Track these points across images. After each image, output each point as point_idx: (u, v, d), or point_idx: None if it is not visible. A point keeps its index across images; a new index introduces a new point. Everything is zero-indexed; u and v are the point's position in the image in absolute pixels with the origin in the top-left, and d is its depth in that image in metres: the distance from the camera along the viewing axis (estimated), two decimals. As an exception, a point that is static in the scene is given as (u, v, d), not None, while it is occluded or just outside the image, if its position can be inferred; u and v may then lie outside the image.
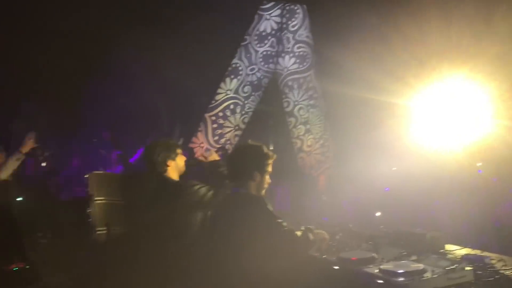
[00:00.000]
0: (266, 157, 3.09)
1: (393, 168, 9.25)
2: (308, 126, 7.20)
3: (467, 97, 6.34)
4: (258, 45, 6.90)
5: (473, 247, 3.38)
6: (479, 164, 10.68)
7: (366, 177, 7.54)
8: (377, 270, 2.79)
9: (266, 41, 6.91)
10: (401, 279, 2.60)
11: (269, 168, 3.11)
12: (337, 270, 3.06)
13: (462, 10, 6.99)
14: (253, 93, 7.01)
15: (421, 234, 3.34)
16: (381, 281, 2.68)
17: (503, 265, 2.85)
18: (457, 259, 2.96)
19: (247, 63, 6.89)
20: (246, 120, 7.08)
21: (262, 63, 6.95)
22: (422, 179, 8.29)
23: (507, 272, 2.72)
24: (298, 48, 6.99)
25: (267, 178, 3.11)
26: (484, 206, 6.71)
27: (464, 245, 3.39)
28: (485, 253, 3.12)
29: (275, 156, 3.16)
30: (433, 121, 6.58)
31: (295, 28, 6.94)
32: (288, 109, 7.17)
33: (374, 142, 7.39)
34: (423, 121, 6.62)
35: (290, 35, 6.96)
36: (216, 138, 6.86)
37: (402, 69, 6.74)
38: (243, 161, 3.08)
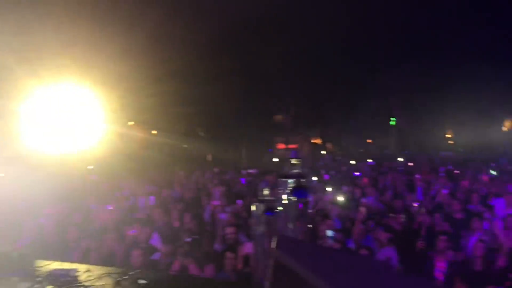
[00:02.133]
0: None
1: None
2: None
3: (80, 104, 6.47)
4: None
5: (67, 259, 3.37)
6: (90, 167, 11.15)
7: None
8: None
9: None
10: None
11: None
12: None
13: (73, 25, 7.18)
14: None
15: (6, 253, 3.07)
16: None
17: (88, 276, 2.93)
18: (43, 276, 2.86)
19: None
20: None
21: None
22: (33, 186, 7.91)
23: (89, 282, 2.81)
24: None
25: None
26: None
27: (55, 258, 3.33)
28: (75, 265, 3.15)
29: None
30: (46, 126, 6.38)
31: None
32: None
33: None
34: (36, 127, 6.32)
35: None
36: None
37: (10, 73, 6.31)
38: None
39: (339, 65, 22.52)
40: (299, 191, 1.90)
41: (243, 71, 23.44)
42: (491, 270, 4.57)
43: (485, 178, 10.42)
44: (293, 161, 1.93)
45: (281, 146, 26.58)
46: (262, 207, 2.40)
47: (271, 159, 21.21)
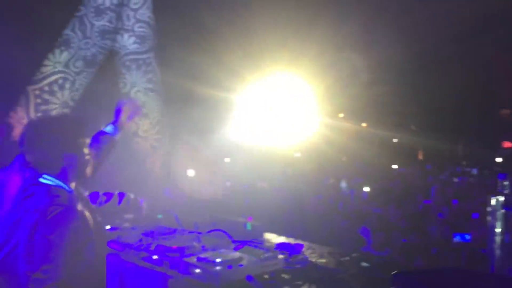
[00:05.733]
0: (82, 130, 2.31)
1: (226, 160, 9.55)
2: (144, 110, 6.93)
3: (293, 94, 6.83)
4: (95, 18, 6.38)
5: (288, 236, 3.61)
6: (297, 154, 11.70)
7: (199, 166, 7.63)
8: (196, 259, 2.77)
9: (104, 15, 6.42)
10: (218, 268, 2.62)
11: (86, 142, 2.33)
12: (156, 259, 2.96)
13: (288, 15, 7.59)
14: (85, 69, 6.46)
15: (242, 223, 3.44)
16: (198, 271, 2.66)
17: (311, 253, 3.09)
18: (272, 247, 3.11)
19: (80, 36, 6.32)
20: (76, 97, 6.51)
21: (98, 38, 6.45)
22: (250, 169, 8.76)
23: (314, 259, 2.96)
24: (139, 27, 6.66)
25: (88, 152, 2.30)
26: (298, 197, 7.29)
27: (280, 233, 3.60)
28: (299, 241, 3.35)
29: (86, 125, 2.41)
30: (263, 114, 6.92)
31: (137, 6, 6.60)
32: (124, 90, 6.80)
33: (209, 133, 7.49)
34: (253, 115, 6.93)
35: (131, 13, 6.59)
36: (39, 114, 6.17)
37: (238, 66, 7.01)
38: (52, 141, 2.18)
39: None
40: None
41: (461, 58, 21.41)
42: None
43: None
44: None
45: (508, 144, 23.43)
46: (501, 200, 2.14)
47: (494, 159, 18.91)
